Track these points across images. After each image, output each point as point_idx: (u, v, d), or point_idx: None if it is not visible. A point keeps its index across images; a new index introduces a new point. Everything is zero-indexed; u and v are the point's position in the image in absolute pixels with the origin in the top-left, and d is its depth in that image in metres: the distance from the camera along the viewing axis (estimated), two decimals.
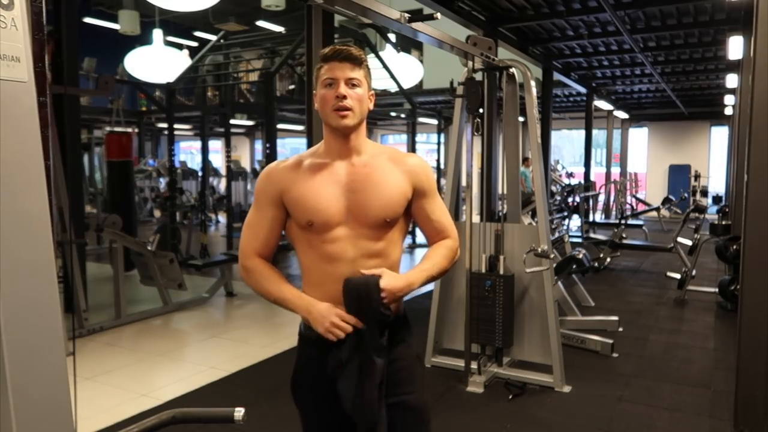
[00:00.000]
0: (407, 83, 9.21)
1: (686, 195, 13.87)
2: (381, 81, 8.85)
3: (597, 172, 15.52)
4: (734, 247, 5.43)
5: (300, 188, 1.54)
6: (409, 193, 1.59)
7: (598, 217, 13.21)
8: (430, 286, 4.89)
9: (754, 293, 2.82)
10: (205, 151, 9.76)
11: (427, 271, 1.58)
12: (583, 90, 11.88)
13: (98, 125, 12.95)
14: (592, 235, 10.11)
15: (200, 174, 11.19)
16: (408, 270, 1.58)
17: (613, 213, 13.87)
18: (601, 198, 14.14)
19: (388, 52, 9.00)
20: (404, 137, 13.49)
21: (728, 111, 13.67)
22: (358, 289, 1.48)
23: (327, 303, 1.49)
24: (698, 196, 15.12)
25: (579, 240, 8.99)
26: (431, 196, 1.65)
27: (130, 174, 7.39)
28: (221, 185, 14.15)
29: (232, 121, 9.80)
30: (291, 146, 19.75)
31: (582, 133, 13.64)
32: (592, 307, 5.59)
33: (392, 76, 8.79)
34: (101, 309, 5.26)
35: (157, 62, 7.85)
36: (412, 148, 11.52)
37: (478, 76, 3.63)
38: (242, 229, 1.62)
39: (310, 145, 4.45)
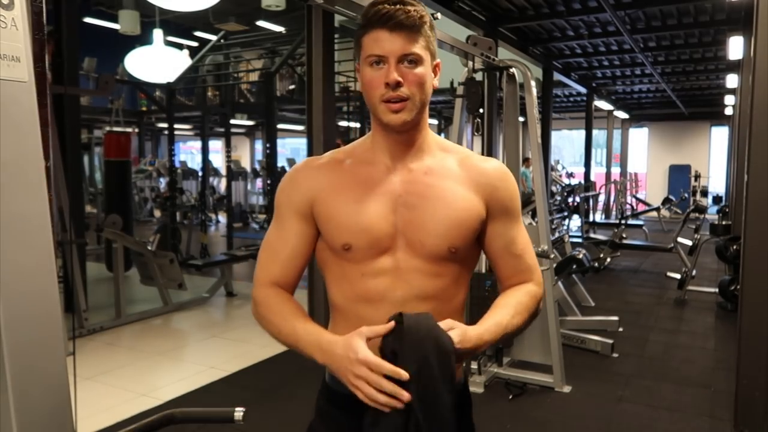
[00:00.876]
0: None
1: (686, 195, 13.88)
2: None
3: (597, 172, 15.52)
4: (734, 247, 5.43)
5: (337, 197, 1.14)
6: (484, 213, 1.16)
7: (598, 217, 13.22)
8: None
9: (754, 293, 2.83)
10: (205, 151, 9.78)
11: (504, 325, 1.11)
12: (583, 90, 11.88)
13: (98, 125, 12.95)
14: (592, 235, 10.11)
15: (200, 174, 11.20)
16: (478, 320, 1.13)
17: (613, 213, 13.87)
18: (602, 198, 14.14)
19: None
20: None
21: (728, 111, 13.67)
22: (420, 333, 0.97)
23: (353, 337, 1.01)
24: (698, 196, 15.12)
25: (579, 240, 8.98)
26: (514, 219, 1.20)
27: (128, 174, 7.39)
28: (221, 185, 14.16)
29: (232, 121, 9.81)
30: (291, 146, 19.77)
31: (582, 133, 13.64)
32: (592, 307, 5.59)
33: None
34: (101, 309, 5.26)
35: (157, 62, 7.85)
36: None
37: (479, 76, 3.63)
38: (259, 253, 1.24)
39: (309, 145, 4.44)
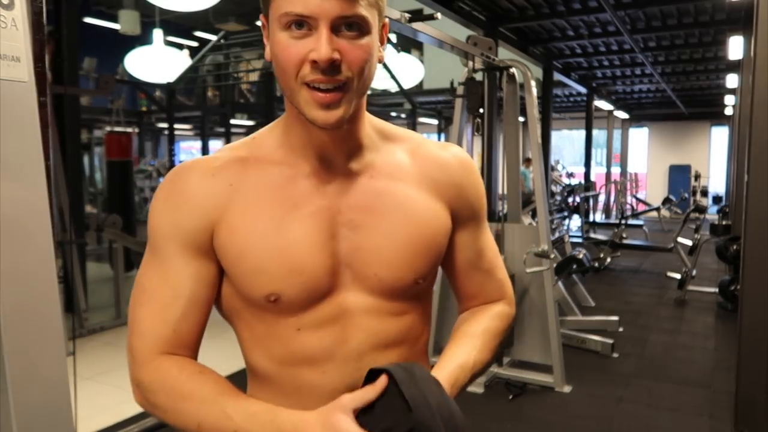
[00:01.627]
0: (407, 83, 9.22)
1: (686, 195, 13.88)
2: (381, 81, 8.85)
3: (597, 173, 15.52)
4: (734, 247, 5.43)
5: (249, 221, 0.78)
6: (450, 223, 0.87)
7: (599, 217, 13.22)
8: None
9: (754, 293, 2.82)
10: (205, 151, 9.79)
11: (471, 366, 0.85)
12: (583, 90, 11.87)
13: (98, 125, 12.96)
14: (592, 235, 10.11)
15: None
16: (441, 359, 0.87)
17: (614, 213, 13.87)
18: (602, 198, 14.14)
19: (389, 52, 9.00)
20: None
21: (728, 111, 13.68)
22: (430, 407, 0.71)
23: (334, 414, 0.71)
24: (698, 196, 15.12)
25: (579, 240, 8.98)
26: (481, 225, 0.93)
27: (130, 174, 7.40)
28: None
29: (232, 121, 9.82)
30: None
31: (582, 133, 13.64)
32: (592, 307, 5.59)
33: (392, 76, 8.79)
34: (101, 309, 5.26)
35: (157, 62, 7.85)
36: None
37: (479, 76, 3.63)
38: (130, 307, 0.82)
39: None
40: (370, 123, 0.85)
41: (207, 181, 0.79)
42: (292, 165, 0.81)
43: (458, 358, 0.84)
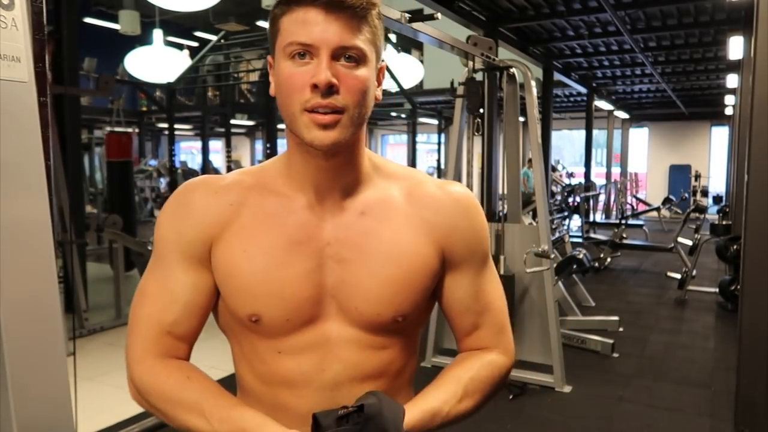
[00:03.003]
0: (407, 83, 9.21)
1: (686, 195, 13.88)
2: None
3: (597, 172, 15.51)
4: (734, 247, 5.43)
5: (241, 242, 0.83)
6: (438, 265, 0.88)
7: (599, 217, 13.21)
8: None
9: (754, 293, 2.82)
10: (205, 151, 9.80)
11: (445, 413, 0.86)
12: (583, 90, 11.87)
13: (98, 125, 12.96)
14: (592, 235, 10.11)
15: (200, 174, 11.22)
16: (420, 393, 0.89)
17: (614, 213, 13.87)
18: (602, 198, 14.14)
19: (389, 52, 8.99)
20: (404, 137, 13.52)
21: (728, 111, 13.68)
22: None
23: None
24: (698, 196, 15.12)
25: (579, 240, 8.98)
26: (480, 266, 0.92)
27: (130, 174, 7.41)
28: None
29: (232, 121, 9.82)
30: None
31: (582, 133, 13.64)
32: (592, 307, 5.59)
33: (392, 76, 8.79)
34: (101, 309, 5.26)
35: (157, 62, 7.85)
36: (412, 148, 11.51)
37: (479, 77, 3.64)
38: (131, 309, 0.90)
39: None
40: (369, 160, 0.89)
41: (210, 198, 0.86)
42: (290, 196, 0.86)
43: (432, 402, 0.85)
